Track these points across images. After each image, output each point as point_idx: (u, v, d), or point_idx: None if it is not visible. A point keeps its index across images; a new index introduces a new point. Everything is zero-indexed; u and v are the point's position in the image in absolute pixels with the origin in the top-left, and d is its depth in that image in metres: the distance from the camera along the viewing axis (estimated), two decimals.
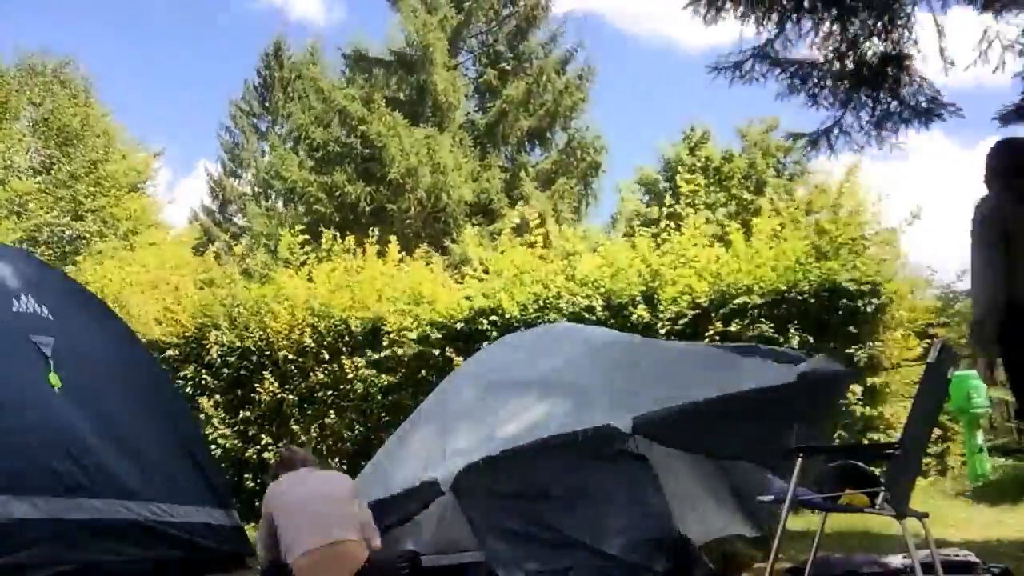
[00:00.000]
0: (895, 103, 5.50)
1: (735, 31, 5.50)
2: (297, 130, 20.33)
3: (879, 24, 5.36)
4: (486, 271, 8.07)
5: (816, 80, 5.56)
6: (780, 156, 20.08)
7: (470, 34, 19.45)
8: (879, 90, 5.47)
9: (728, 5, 5.31)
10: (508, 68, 18.72)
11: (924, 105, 5.44)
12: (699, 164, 19.53)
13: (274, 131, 26.16)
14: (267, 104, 26.72)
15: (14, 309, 4.40)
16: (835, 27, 5.41)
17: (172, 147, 44.91)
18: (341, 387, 7.45)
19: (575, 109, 18.77)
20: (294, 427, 7.48)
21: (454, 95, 17.95)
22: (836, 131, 5.66)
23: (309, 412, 7.51)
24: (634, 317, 7.04)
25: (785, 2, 5.32)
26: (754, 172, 19.61)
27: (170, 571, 4.43)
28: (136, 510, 4.33)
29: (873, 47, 5.43)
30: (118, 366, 4.87)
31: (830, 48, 5.48)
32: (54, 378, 4.28)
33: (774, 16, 5.39)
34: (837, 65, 5.50)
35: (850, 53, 5.45)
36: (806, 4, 5.30)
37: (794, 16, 5.37)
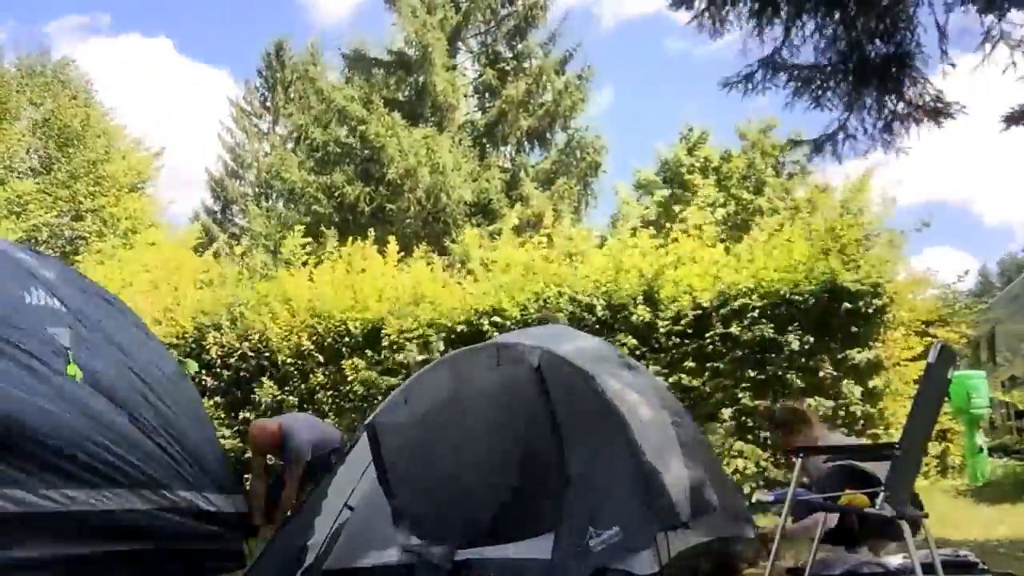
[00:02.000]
0: (901, 104, 5.49)
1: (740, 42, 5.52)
2: (297, 130, 20.34)
3: (882, 27, 5.36)
4: (488, 271, 8.08)
5: (820, 83, 5.56)
6: (778, 156, 20.06)
7: (469, 34, 19.45)
8: (884, 92, 5.46)
9: (731, 17, 5.32)
10: (507, 68, 18.73)
11: (932, 104, 5.43)
12: (697, 164, 19.53)
13: (275, 131, 26.18)
14: (268, 104, 26.73)
15: (27, 301, 4.39)
16: (839, 30, 5.41)
17: (173, 146, 44.91)
18: (341, 388, 7.44)
19: (575, 109, 18.77)
20: None
21: (453, 95, 17.95)
22: (841, 135, 5.66)
23: (309, 413, 7.51)
24: (635, 317, 7.04)
25: (788, 8, 5.31)
26: (754, 172, 19.60)
27: (172, 567, 4.42)
28: (152, 499, 4.31)
29: (876, 49, 5.43)
30: (131, 357, 4.84)
31: (834, 52, 5.47)
32: (72, 368, 4.26)
33: (777, 23, 5.40)
34: (842, 68, 5.49)
35: (854, 56, 5.45)
36: (809, 8, 5.29)
37: (798, 21, 5.37)
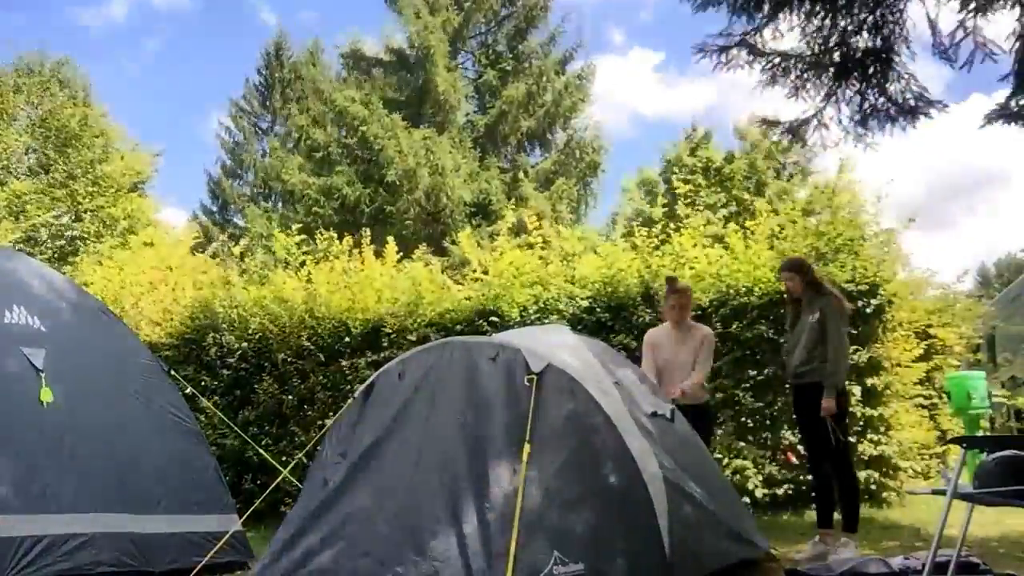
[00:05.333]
0: (882, 99, 5.46)
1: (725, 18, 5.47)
2: (296, 131, 20.34)
3: (871, 18, 5.34)
4: (485, 272, 8.06)
5: (799, 72, 5.53)
6: (779, 157, 20.11)
7: (470, 35, 19.46)
8: (866, 85, 5.44)
9: None
10: (508, 69, 18.74)
11: (911, 102, 5.40)
12: (699, 165, 19.55)
13: (274, 131, 26.15)
14: (267, 104, 26.69)
15: (5, 320, 4.35)
16: (827, 20, 5.38)
17: (172, 147, 44.93)
18: (341, 388, 7.43)
19: (575, 109, 18.80)
20: (294, 428, 7.47)
21: (454, 96, 17.96)
22: (814, 123, 5.63)
23: (309, 413, 7.50)
24: (634, 318, 7.03)
25: None
26: (755, 173, 19.63)
27: None
28: (128, 523, 4.30)
29: (863, 42, 5.41)
30: (114, 374, 4.80)
31: (819, 41, 5.45)
32: (45, 393, 4.23)
33: (765, 7, 5.37)
34: (825, 58, 5.46)
35: (838, 47, 5.43)
36: None
37: (786, 8, 5.35)
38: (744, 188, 18.95)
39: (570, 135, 19.10)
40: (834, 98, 5.50)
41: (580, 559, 3.23)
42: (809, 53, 5.43)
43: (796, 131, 5.70)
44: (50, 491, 4.03)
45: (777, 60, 5.44)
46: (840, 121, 5.53)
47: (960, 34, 4.96)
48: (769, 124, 5.99)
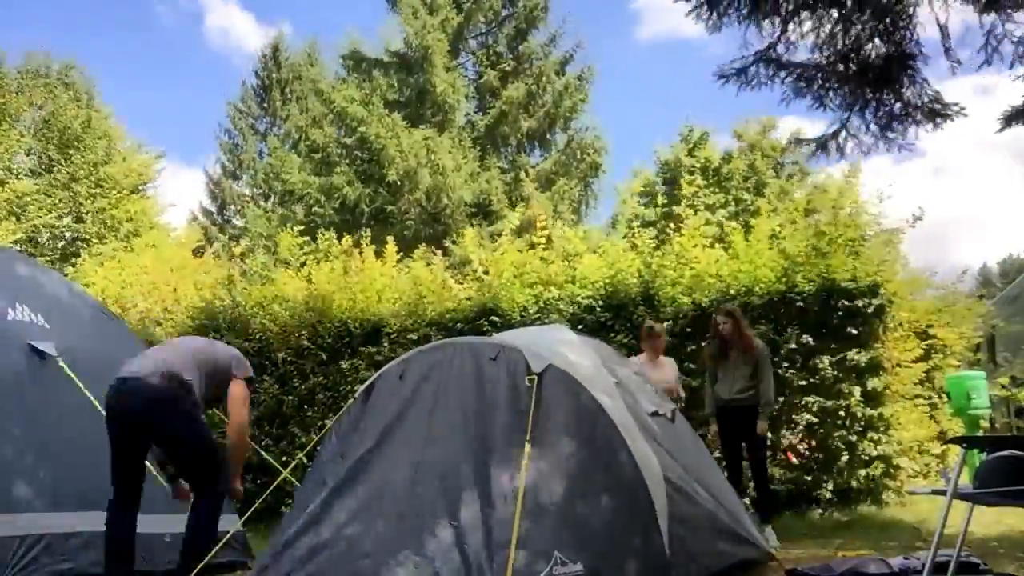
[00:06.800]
0: (899, 104, 5.49)
1: (739, 36, 5.50)
2: (296, 132, 20.35)
3: (882, 25, 5.35)
4: (486, 272, 8.07)
5: (822, 82, 5.55)
6: (778, 157, 20.12)
7: (470, 35, 19.46)
8: (883, 92, 5.46)
9: (730, 10, 5.30)
10: (508, 69, 18.74)
11: (928, 106, 5.42)
12: (698, 165, 19.56)
13: (273, 133, 26.16)
14: (265, 105, 26.70)
15: (9, 318, 4.37)
16: (838, 28, 5.40)
17: (172, 148, 44.99)
18: (341, 388, 7.44)
19: (575, 110, 18.79)
20: (294, 428, 7.47)
21: (454, 96, 17.95)
22: (844, 134, 5.65)
23: (309, 414, 7.51)
24: (634, 317, 7.03)
25: (787, 4, 5.31)
26: (754, 173, 19.63)
27: None
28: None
29: (876, 48, 5.42)
30: (114, 374, 4.82)
31: (833, 50, 5.47)
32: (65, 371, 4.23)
33: (776, 20, 5.38)
34: (841, 67, 5.48)
35: (853, 55, 5.44)
36: (808, 5, 5.29)
37: (796, 18, 5.36)
38: (744, 188, 18.97)
39: (571, 136, 19.10)
40: (857, 107, 5.53)
41: (580, 559, 3.23)
42: (826, 63, 5.45)
43: (826, 145, 5.73)
44: (50, 490, 4.03)
45: (798, 72, 5.46)
46: (868, 128, 5.56)
47: (993, 42, 5.01)
48: (799, 142, 6.03)
